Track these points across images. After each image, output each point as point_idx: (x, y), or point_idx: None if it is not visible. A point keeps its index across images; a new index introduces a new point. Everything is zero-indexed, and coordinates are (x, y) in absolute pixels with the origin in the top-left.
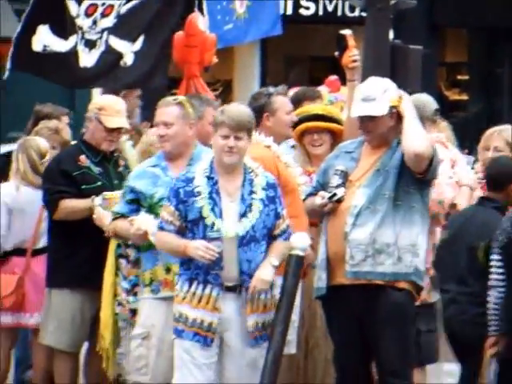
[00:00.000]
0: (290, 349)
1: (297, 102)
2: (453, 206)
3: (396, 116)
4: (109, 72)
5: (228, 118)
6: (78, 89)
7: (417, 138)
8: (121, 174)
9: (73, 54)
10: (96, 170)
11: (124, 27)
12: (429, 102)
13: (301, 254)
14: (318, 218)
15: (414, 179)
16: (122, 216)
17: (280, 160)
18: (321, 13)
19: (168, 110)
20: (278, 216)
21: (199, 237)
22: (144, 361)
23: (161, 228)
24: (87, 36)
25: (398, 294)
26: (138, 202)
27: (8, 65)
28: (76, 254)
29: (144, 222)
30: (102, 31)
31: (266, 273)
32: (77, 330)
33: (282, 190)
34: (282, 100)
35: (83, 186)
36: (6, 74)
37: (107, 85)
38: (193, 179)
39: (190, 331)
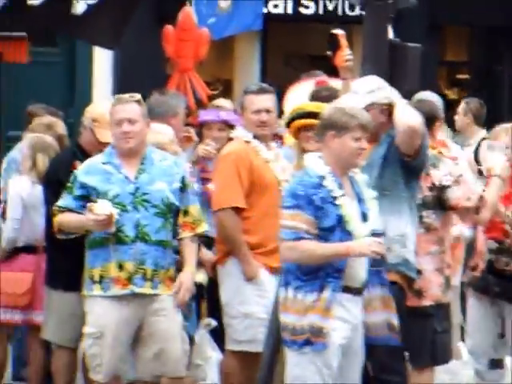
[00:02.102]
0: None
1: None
2: (481, 198)
3: (387, 113)
4: (59, 17)
5: (361, 120)
6: (34, 34)
7: (411, 114)
8: None
9: None
10: None
11: None
12: (438, 101)
13: None
14: None
15: (400, 170)
16: (69, 211)
17: (258, 155)
18: (321, 12)
19: (130, 106)
20: None
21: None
22: (98, 359)
23: (299, 238)
24: None
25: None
26: (87, 199)
27: None
28: (70, 257)
29: (106, 206)
30: None
31: None
32: (76, 325)
33: (256, 186)
34: (249, 99)
35: None
36: None
37: (60, 31)
38: (321, 184)
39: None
